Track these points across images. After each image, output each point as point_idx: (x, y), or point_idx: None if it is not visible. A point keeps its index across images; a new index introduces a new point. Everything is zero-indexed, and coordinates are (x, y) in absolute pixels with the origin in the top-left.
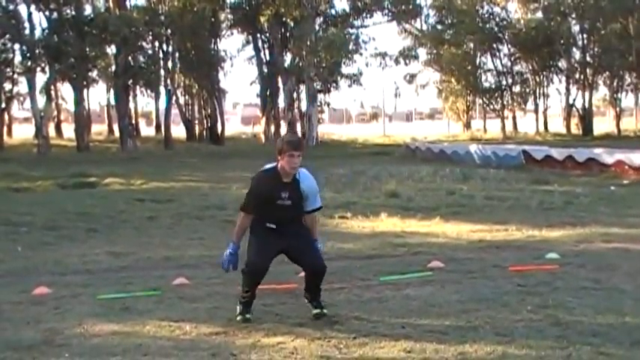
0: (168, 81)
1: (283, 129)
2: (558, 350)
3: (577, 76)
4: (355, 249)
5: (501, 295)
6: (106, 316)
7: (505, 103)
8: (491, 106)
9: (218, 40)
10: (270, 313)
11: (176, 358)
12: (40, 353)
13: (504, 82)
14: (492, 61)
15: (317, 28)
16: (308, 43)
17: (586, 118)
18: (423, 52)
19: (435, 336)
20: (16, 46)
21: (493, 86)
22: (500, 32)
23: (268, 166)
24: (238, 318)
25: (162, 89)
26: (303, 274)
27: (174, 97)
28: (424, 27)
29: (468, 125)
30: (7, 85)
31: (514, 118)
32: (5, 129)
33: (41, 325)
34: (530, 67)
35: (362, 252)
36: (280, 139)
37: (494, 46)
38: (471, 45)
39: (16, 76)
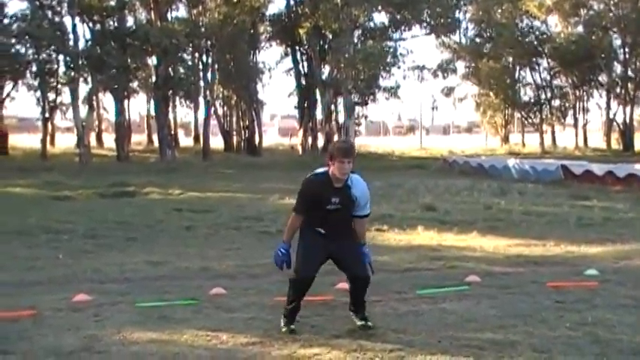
0: (207, 92)
1: (320, 141)
2: None
3: (618, 90)
4: (392, 262)
5: (539, 311)
6: (144, 324)
7: (544, 117)
8: (530, 120)
9: (257, 51)
10: (306, 324)
11: None
12: (80, 359)
13: (543, 96)
14: (531, 74)
15: (355, 40)
16: (346, 55)
17: (627, 133)
18: (461, 66)
19: (471, 351)
20: (60, 57)
21: (532, 100)
22: (540, 46)
23: (319, 170)
24: (283, 330)
25: (201, 100)
26: (340, 285)
27: (212, 108)
28: (463, 40)
29: (506, 139)
30: (51, 95)
31: (553, 132)
32: (48, 138)
33: (81, 332)
34: (570, 82)
35: (398, 265)
36: (332, 145)
37: (534, 59)
38: (510, 59)
39: (59, 86)
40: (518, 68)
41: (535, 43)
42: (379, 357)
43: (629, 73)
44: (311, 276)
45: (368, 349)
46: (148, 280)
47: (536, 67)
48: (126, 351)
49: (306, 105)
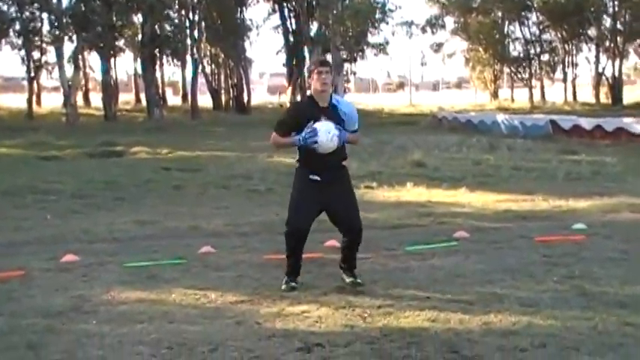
0: (195, 50)
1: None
2: (584, 321)
3: (607, 44)
4: (380, 219)
5: (527, 266)
6: (133, 283)
7: (533, 72)
8: (519, 76)
9: (244, 8)
10: None
11: (201, 325)
12: (68, 320)
13: (532, 51)
14: (520, 29)
15: None
16: (334, 11)
17: (616, 86)
18: (450, 21)
19: (459, 306)
20: (44, 16)
21: (521, 55)
22: (529, 0)
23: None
24: (283, 287)
25: (188, 59)
26: (329, 243)
27: (200, 67)
28: None
29: (495, 95)
30: (36, 55)
31: (542, 87)
32: (35, 98)
33: (69, 292)
34: (559, 36)
35: (387, 222)
36: (309, 65)
37: (523, 14)
38: (499, 13)
39: (44, 45)
40: (507, 23)
41: None
42: (367, 313)
43: (618, 26)
44: (304, 228)
45: (356, 306)
46: (137, 240)
47: (526, 22)
48: (114, 311)
49: (294, 62)
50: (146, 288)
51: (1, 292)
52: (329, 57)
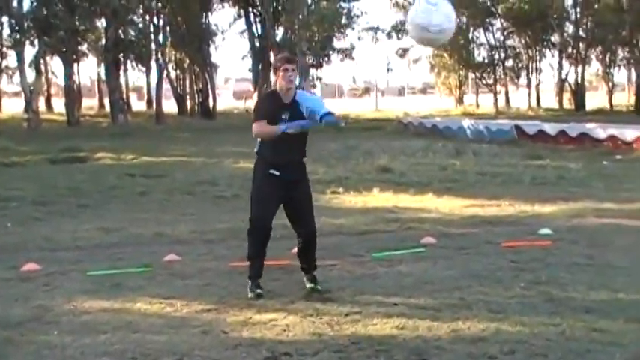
0: (159, 55)
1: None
2: (552, 327)
3: (570, 50)
4: (347, 225)
5: (494, 271)
6: (96, 292)
7: (497, 77)
8: (484, 81)
9: (209, 13)
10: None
11: (167, 335)
12: (29, 330)
13: (497, 57)
14: (485, 35)
15: (309, 1)
16: (300, 16)
17: (578, 92)
18: None
19: (427, 313)
20: (4, 19)
21: (486, 61)
22: (493, 6)
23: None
24: (250, 295)
25: (153, 64)
26: (296, 249)
27: (165, 72)
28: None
29: (460, 100)
30: None
31: (507, 93)
32: None
33: (30, 301)
34: (523, 42)
35: (354, 228)
36: (274, 59)
37: (487, 20)
38: (464, 19)
39: (4, 49)
40: (472, 29)
41: (488, 3)
42: (335, 321)
43: (581, 32)
44: (268, 223)
45: (324, 314)
46: (101, 248)
47: (490, 28)
48: (77, 321)
49: (260, 67)
50: (110, 297)
51: None
52: None
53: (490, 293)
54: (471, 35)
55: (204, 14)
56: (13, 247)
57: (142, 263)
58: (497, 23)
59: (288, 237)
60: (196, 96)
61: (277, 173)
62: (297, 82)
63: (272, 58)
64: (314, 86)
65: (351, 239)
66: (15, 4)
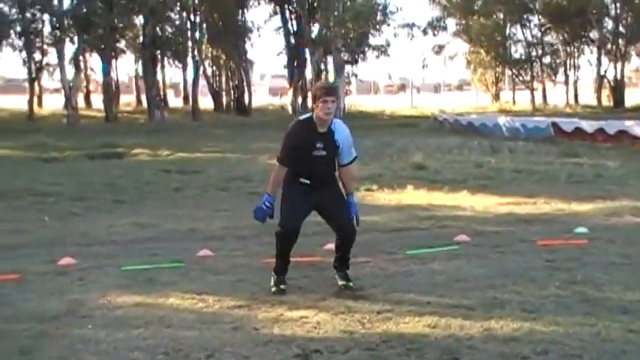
0: (196, 52)
1: (310, 101)
2: (587, 327)
3: (609, 46)
4: (381, 222)
5: (529, 270)
6: (130, 287)
7: (535, 74)
8: (521, 78)
9: (245, 10)
10: (294, 286)
11: (198, 331)
12: (63, 324)
13: (534, 54)
14: (522, 31)
15: None
16: (335, 13)
17: (617, 89)
18: (452, 23)
19: (460, 311)
20: (46, 17)
21: (523, 57)
22: (531, 2)
23: (303, 116)
24: (273, 290)
25: (189, 60)
26: (328, 246)
27: (201, 68)
28: None
29: (496, 97)
30: (37, 56)
31: (544, 89)
32: (36, 99)
33: (65, 296)
34: (561, 38)
35: (388, 225)
36: (314, 87)
37: (525, 16)
38: (501, 15)
39: (45, 46)
40: (509, 25)
41: None
42: (367, 319)
43: (620, 28)
44: (297, 227)
45: (356, 311)
46: (135, 243)
47: (527, 24)
48: (110, 315)
49: (295, 64)
50: (143, 292)
51: None
52: (331, 62)
53: (524, 293)
54: (507, 31)
55: (240, 11)
56: (51, 241)
57: (175, 259)
58: (535, 19)
59: (320, 234)
60: (232, 92)
61: (308, 182)
62: (334, 111)
63: (307, 55)
64: (349, 83)
65: (384, 236)
66: (56, 2)
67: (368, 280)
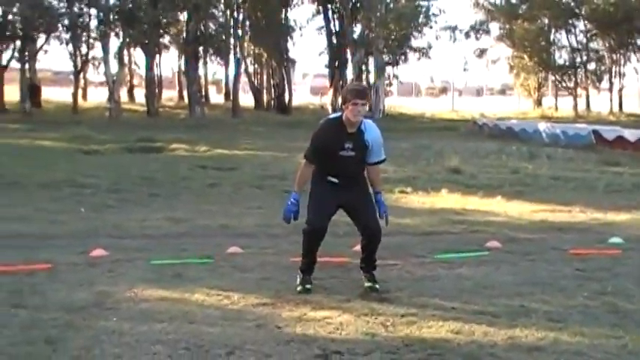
0: (238, 49)
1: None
2: (613, 339)
3: None
4: (412, 225)
5: (558, 279)
6: (157, 281)
7: (578, 81)
8: (564, 84)
9: (288, 9)
10: (319, 287)
11: (221, 327)
12: (89, 315)
13: (578, 60)
14: (567, 37)
15: None
16: (377, 14)
17: None
18: (495, 27)
19: (485, 318)
20: (93, 11)
21: (567, 63)
22: (577, 7)
23: (333, 115)
24: (298, 288)
25: (232, 57)
26: (357, 247)
27: (243, 66)
28: (498, 1)
29: (539, 102)
30: (83, 49)
31: (587, 96)
32: (81, 92)
33: (94, 287)
34: (607, 45)
35: (419, 228)
36: (345, 89)
37: (570, 21)
38: (546, 20)
39: (91, 40)
40: (553, 30)
41: (572, 4)
42: (390, 322)
43: None
44: (324, 226)
45: (379, 314)
46: (167, 238)
47: (572, 30)
48: (136, 308)
49: (336, 64)
50: (170, 286)
51: (26, 284)
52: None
53: (551, 301)
54: (552, 37)
55: (283, 9)
56: (85, 232)
57: (204, 255)
58: (581, 25)
59: (350, 235)
60: (273, 90)
61: (336, 181)
62: (365, 112)
63: (349, 55)
64: (390, 84)
65: (414, 239)
66: None
67: (394, 283)
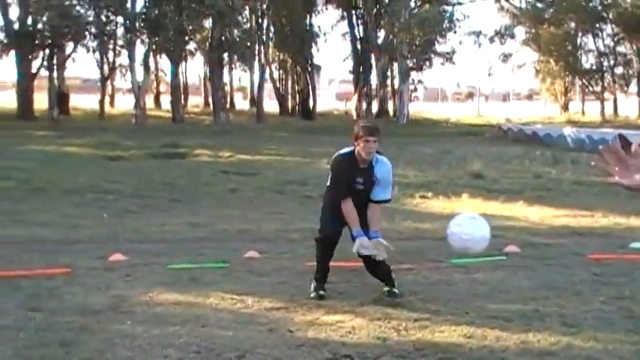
0: (262, 55)
1: (375, 106)
2: (628, 345)
3: None
4: (431, 229)
5: (575, 284)
6: (173, 285)
7: (606, 85)
8: (591, 88)
9: (313, 15)
10: (333, 291)
11: (233, 331)
12: (104, 319)
13: (606, 64)
14: (594, 41)
15: (412, 4)
16: (401, 19)
17: None
18: (520, 31)
19: (498, 322)
20: (119, 19)
21: (594, 67)
22: (604, 11)
23: (345, 150)
24: (312, 295)
25: (256, 63)
26: None
27: (267, 72)
28: (523, 5)
29: (565, 107)
30: (111, 57)
31: (615, 100)
32: (108, 99)
33: (110, 291)
34: (635, 48)
35: (438, 232)
36: (356, 125)
37: (597, 25)
38: (572, 24)
39: (118, 48)
40: (580, 34)
41: (599, 8)
42: (402, 326)
43: None
44: (336, 234)
45: (392, 318)
46: (186, 242)
47: (599, 33)
48: (150, 312)
49: (361, 70)
50: (185, 290)
51: (45, 288)
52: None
53: (567, 306)
54: (578, 41)
55: (307, 16)
56: (105, 237)
57: (221, 259)
58: (608, 28)
59: None
60: (297, 96)
61: None
62: (375, 150)
63: (373, 61)
64: (415, 89)
65: (432, 244)
66: (129, 5)
67: (409, 288)
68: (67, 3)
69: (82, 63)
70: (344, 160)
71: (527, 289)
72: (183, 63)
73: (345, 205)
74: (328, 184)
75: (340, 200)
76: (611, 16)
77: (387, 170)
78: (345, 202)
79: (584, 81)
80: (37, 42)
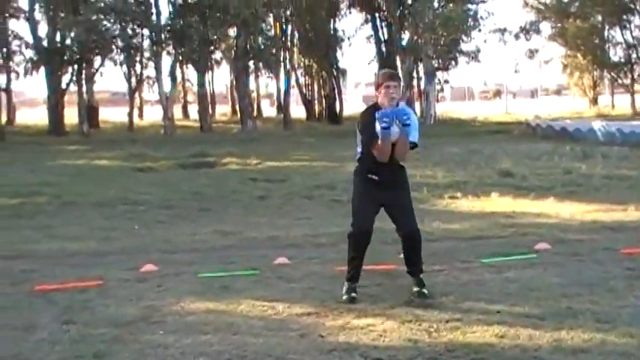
0: (287, 62)
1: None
2: None
3: None
4: (461, 229)
5: (608, 280)
6: (204, 294)
7: (636, 77)
8: (620, 81)
9: (337, 19)
10: (364, 294)
11: (264, 338)
12: (137, 330)
13: (635, 56)
14: (622, 33)
15: (435, 5)
16: (425, 20)
17: None
18: (546, 27)
19: (530, 321)
20: (145, 32)
21: (622, 60)
22: (632, 2)
23: (369, 104)
24: (344, 297)
25: (282, 70)
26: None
27: (293, 78)
28: (548, 0)
29: (594, 101)
30: (138, 69)
31: None
32: (137, 111)
33: (142, 302)
34: None
35: (468, 233)
36: (376, 74)
37: (624, 17)
38: (599, 17)
39: (145, 60)
40: (607, 27)
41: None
42: (434, 328)
43: None
44: (368, 227)
45: (424, 320)
46: (215, 251)
47: (627, 25)
48: (181, 321)
49: None
50: (216, 299)
51: (78, 301)
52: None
53: (600, 302)
54: (606, 34)
55: (331, 20)
56: (136, 249)
57: (251, 266)
58: (636, 20)
59: (397, 242)
60: (323, 101)
61: (376, 178)
62: (398, 96)
63: (398, 62)
64: (442, 89)
65: (462, 244)
66: (154, 17)
67: (440, 289)
68: (94, 18)
69: (110, 76)
70: (368, 110)
71: (559, 287)
72: (210, 72)
73: (376, 145)
74: (358, 147)
75: (371, 148)
76: (638, 7)
77: (411, 112)
78: (375, 143)
79: (612, 74)
80: (65, 57)
